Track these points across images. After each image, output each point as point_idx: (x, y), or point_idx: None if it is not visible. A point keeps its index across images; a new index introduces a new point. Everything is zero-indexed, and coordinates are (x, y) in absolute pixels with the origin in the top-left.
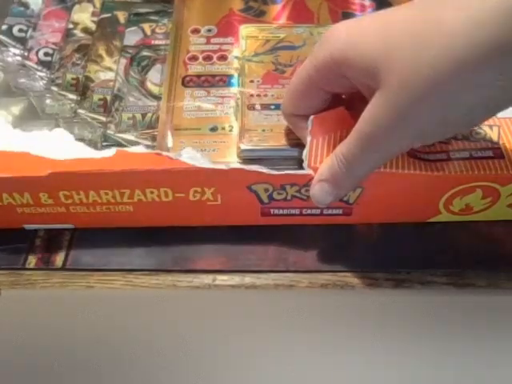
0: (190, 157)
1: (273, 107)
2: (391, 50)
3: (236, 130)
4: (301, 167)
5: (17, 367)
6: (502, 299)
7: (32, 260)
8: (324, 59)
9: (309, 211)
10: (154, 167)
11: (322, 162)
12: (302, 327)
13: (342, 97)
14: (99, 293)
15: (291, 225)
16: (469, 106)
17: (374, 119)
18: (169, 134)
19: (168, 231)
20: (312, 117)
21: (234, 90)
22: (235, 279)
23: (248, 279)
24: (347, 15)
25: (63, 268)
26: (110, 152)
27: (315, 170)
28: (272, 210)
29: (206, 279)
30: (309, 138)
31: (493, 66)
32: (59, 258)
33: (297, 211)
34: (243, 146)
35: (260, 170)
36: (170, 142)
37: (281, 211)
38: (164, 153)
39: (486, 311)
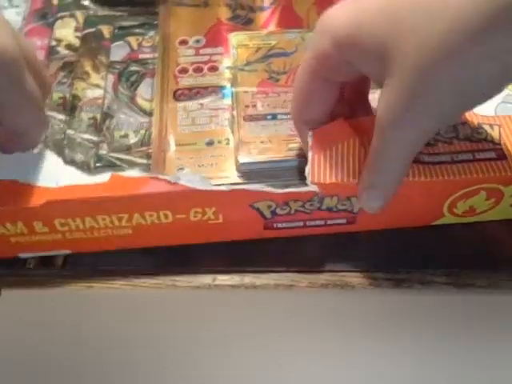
0: (189, 179)
1: (269, 117)
2: (400, 29)
3: (233, 143)
4: (302, 177)
5: (17, 367)
6: (502, 299)
7: (32, 260)
8: (325, 47)
9: (312, 223)
10: (151, 191)
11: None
12: (302, 327)
13: (343, 104)
14: (99, 293)
15: None
16: (489, 75)
17: (390, 106)
18: (158, 151)
19: None
20: (311, 132)
21: (227, 100)
22: (235, 279)
23: (248, 279)
24: None
25: (63, 268)
26: (104, 177)
27: (319, 185)
28: (275, 224)
29: (206, 279)
30: (310, 154)
31: (506, 30)
32: (59, 258)
33: (300, 223)
34: (242, 159)
35: (262, 189)
36: (164, 158)
37: (284, 225)
38: (161, 176)
39: (486, 311)
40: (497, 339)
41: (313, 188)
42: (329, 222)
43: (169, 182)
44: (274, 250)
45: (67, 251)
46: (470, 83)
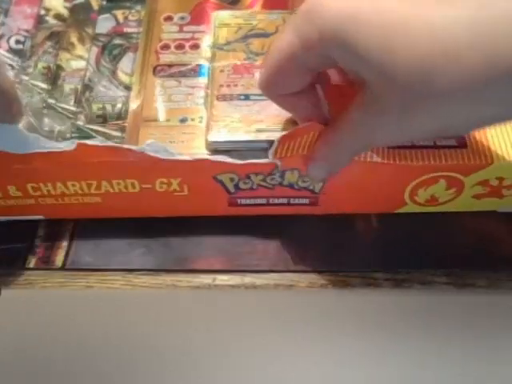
0: (154, 149)
1: (242, 97)
2: (394, 47)
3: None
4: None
5: (16, 367)
6: (502, 299)
7: (32, 260)
8: (310, 37)
9: (276, 200)
10: (117, 159)
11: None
12: (302, 327)
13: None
14: (99, 293)
15: (291, 225)
16: (468, 118)
17: (359, 116)
18: (132, 125)
19: (168, 231)
20: (278, 138)
21: (205, 79)
22: (235, 279)
23: (248, 279)
24: None
25: (63, 268)
26: (71, 145)
27: (279, 159)
28: (239, 200)
29: (206, 279)
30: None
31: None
32: (59, 258)
33: (263, 201)
34: (211, 138)
35: (224, 159)
36: (138, 133)
37: (248, 201)
38: (126, 146)
39: (486, 311)
40: (497, 339)
41: (273, 160)
42: (291, 201)
43: (134, 152)
44: (275, 249)
45: (40, 216)
46: (449, 121)
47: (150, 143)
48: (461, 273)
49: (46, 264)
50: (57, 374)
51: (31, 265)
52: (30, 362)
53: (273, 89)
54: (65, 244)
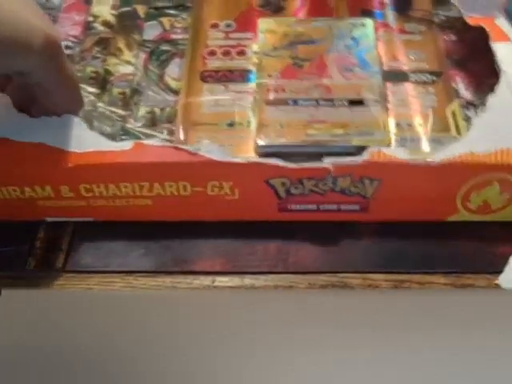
0: (208, 150)
1: (291, 102)
2: None
3: (253, 126)
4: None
5: (16, 367)
6: (502, 299)
7: (32, 262)
8: None
9: (326, 207)
10: (171, 160)
11: None
12: (302, 328)
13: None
14: (99, 294)
15: (290, 225)
16: None
17: None
18: (181, 128)
19: (167, 233)
20: None
21: (252, 84)
22: (235, 280)
23: (247, 280)
24: (366, 12)
25: (63, 270)
26: (127, 144)
27: None
28: (289, 206)
29: (206, 280)
30: None
31: None
32: (59, 260)
33: (314, 207)
34: (260, 142)
35: (277, 162)
36: (186, 136)
37: (298, 206)
38: (182, 146)
39: (486, 311)
40: (497, 339)
41: (327, 165)
42: (342, 207)
43: (189, 152)
44: (274, 250)
45: (90, 218)
46: None
47: (204, 144)
48: (461, 273)
49: (46, 266)
50: (57, 374)
51: (31, 266)
52: (29, 362)
53: None
54: (65, 246)
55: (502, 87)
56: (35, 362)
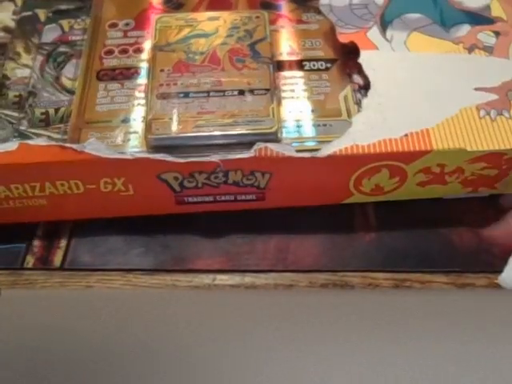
0: (94, 148)
1: (182, 95)
2: None
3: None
4: (207, 155)
5: (16, 367)
6: (502, 299)
7: (30, 260)
8: None
9: (223, 197)
10: (58, 159)
11: None
12: (302, 327)
13: None
14: (98, 292)
15: (291, 225)
16: None
17: None
18: (74, 127)
19: (167, 231)
20: None
21: (146, 80)
22: (235, 279)
23: (248, 279)
24: (265, 5)
25: (61, 268)
26: (12, 145)
27: None
28: (186, 198)
29: (206, 279)
30: None
31: None
32: (57, 258)
33: (211, 198)
34: (150, 136)
35: (165, 158)
36: (79, 135)
37: (195, 199)
38: (67, 144)
39: (486, 311)
40: (497, 339)
41: (214, 159)
42: (238, 197)
43: (75, 151)
44: (274, 249)
45: None
46: None
47: (90, 142)
48: (461, 273)
49: (45, 264)
50: (56, 373)
51: (29, 265)
52: (29, 361)
53: None
54: (63, 244)
55: (371, 90)
56: (35, 362)
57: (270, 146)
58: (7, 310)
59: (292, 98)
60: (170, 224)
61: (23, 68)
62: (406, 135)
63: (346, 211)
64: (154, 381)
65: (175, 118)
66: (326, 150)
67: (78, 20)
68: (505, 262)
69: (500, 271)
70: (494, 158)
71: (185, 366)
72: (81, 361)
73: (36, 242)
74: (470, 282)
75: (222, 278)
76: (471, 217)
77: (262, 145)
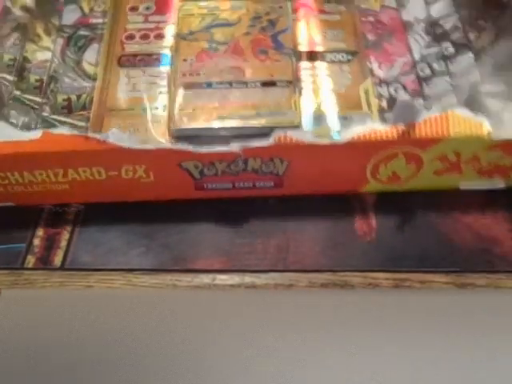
0: (117, 138)
1: (204, 86)
2: None
3: (168, 110)
4: (232, 144)
5: (17, 366)
6: (502, 299)
7: (31, 260)
8: None
9: (241, 184)
10: (81, 148)
11: None
12: (302, 326)
13: None
14: (99, 292)
15: (291, 225)
16: None
17: None
18: (96, 115)
19: (167, 231)
20: None
21: (168, 69)
22: (235, 279)
23: (248, 279)
24: None
25: (62, 268)
26: (36, 134)
27: None
28: (205, 185)
29: (206, 279)
30: None
31: None
32: (58, 258)
33: (229, 185)
34: (173, 126)
35: (186, 148)
36: (102, 122)
37: (214, 185)
38: (91, 134)
39: (486, 311)
40: (497, 339)
41: (235, 149)
42: (257, 184)
43: (97, 141)
44: (274, 249)
45: (10, 203)
46: None
47: (113, 132)
48: (461, 273)
49: (45, 264)
50: (56, 372)
51: (30, 265)
52: (29, 361)
53: None
54: (63, 244)
55: None
56: (35, 361)
57: (290, 133)
58: (7, 309)
59: (313, 89)
60: (170, 224)
61: (44, 51)
62: (425, 120)
63: (347, 211)
64: (154, 380)
65: (198, 108)
66: (344, 137)
67: (98, 1)
68: (505, 262)
69: (500, 271)
70: (510, 146)
71: (184, 364)
72: (81, 360)
73: (36, 242)
74: (470, 282)
75: (222, 278)
76: (471, 217)
77: (281, 132)
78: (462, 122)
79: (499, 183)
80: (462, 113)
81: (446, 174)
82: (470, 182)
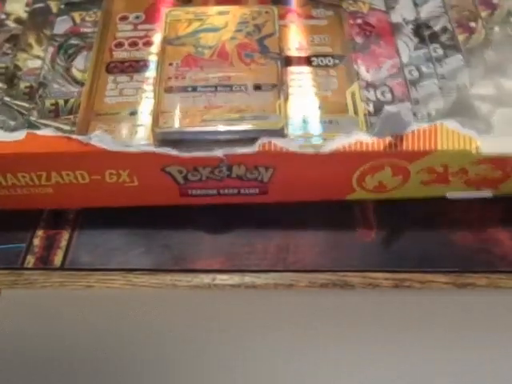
0: (100, 140)
1: (190, 89)
2: None
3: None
4: (216, 149)
5: (17, 366)
6: (502, 299)
7: (30, 260)
8: None
9: (226, 191)
10: (64, 150)
11: None
12: (302, 326)
13: None
14: (99, 292)
15: (291, 225)
16: None
17: None
18: (82, 118)
19: (167, 231)
20: None
21: (154, 73)
22: (235, 279)
23: (248, 279)
24: (276, 0)
25: (62, 268)
26: (20, 134)
27: None
28: (190, 191)
29: (206, 279)
30: None
31: None
32: (57, 258)
33: (214, 191)
34: (157, 129)
35: (170, 152)
36: (88, 126)
37: (198, 191)
38: (74, 136)
39: (486, 311)
40: (496, 338)
41: (218, 153)
42: (242, 190)
43: (80, 142)
44: (274, 249)
45: None
46: None
47: (96, 134)
48: (461, 273)
49: (45, 264)
50: (57, 372)
51: (30, 265)
52: (30, 360)
53: None
54: (63, 244)
55: None
56: (35, 361)
57: (274, 141)
58: (7, 309)
59: (299, 93)
60: (170, 224)
61: (35, 59)
62: (413, 132)
63: (346, 211)
64: (154, 380)
65: (182, 111)
66: (329, 147)
67: (90, 12)
68: (505, 262)
69: (500, 271)
70: (499, 160)
71: (184, 364)
72: (81, 360)
73: (36, 242)
74: (469, 282)
75: (222, 278)
76: (471, 217)
77: (265, 140)
78: (450, 136)
79: (487, 193)
80: (451, 125)
81: (433, 184)
82: (457, 192)
